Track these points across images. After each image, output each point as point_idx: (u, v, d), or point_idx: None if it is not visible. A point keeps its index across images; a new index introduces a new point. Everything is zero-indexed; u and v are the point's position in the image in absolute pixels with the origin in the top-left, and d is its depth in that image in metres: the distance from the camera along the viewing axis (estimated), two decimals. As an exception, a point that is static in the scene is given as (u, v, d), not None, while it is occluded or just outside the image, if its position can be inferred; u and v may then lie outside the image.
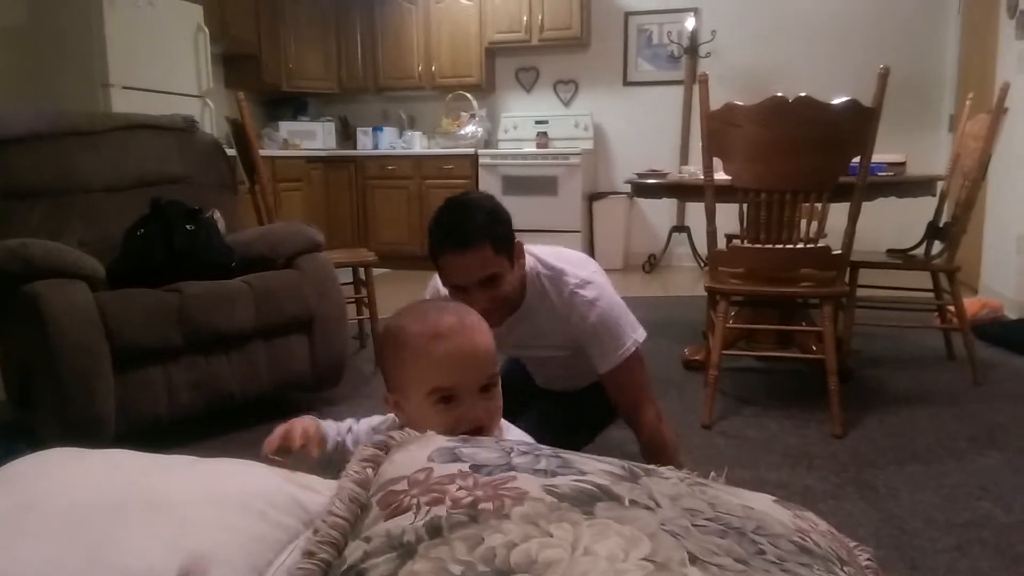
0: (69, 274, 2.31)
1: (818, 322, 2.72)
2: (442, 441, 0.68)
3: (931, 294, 3.39)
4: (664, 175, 3.50)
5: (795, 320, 3.16)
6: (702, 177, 2.69)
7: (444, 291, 1.75)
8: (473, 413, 0.98)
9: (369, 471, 0.64)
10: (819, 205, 2.59)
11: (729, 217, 2.95)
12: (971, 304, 3.76)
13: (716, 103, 2.56)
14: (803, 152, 2.47)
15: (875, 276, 3.24)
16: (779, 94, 2.46)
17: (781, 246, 2.61)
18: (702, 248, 2.86)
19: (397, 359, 1.03)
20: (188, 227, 2.59)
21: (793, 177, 2.52)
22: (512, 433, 1.09)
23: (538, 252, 1.85)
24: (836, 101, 2.44)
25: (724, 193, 2.71)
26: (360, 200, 6.22)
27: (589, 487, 0.63)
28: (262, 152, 5.40)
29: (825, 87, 3.34)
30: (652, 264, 6.06)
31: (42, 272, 2.27)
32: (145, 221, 2.62)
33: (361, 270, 3.54)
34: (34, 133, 2.74)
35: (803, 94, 2.45)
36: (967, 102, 3.42)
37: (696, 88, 2.56)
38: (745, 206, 2.69)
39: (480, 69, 6.24)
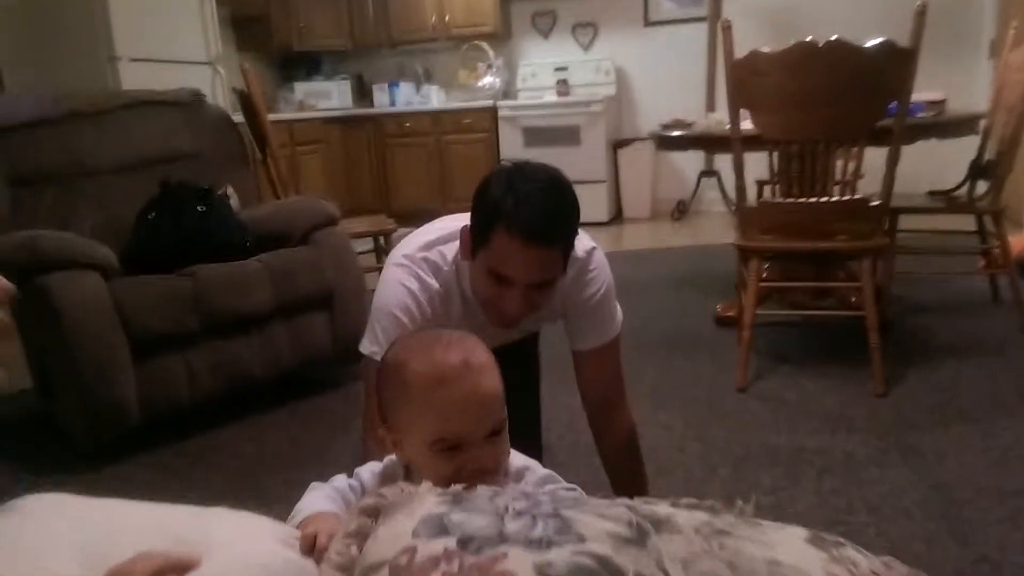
0: (81, 265, 2.26)
1: (857, 274, 2.60)
2: (431, 504, 0.61)
3: (975, 236, 3.23)
4: (689, 125, 3.34)
5: (832, 272, 3.03)
6: (729, 127, 2.55)
7: (447, 259, 1.49)
8: (478, 462, 0.88)
9: (353, 549, 0.57)
10: (854, 154, 2.45)
11: (760, 163, 2.81)
12: (1017, 242, 3.59)
13: (741, 45, 2.39)
14: (836, 100, 2.31)
15: (916, 220, 3.09)
16: (808, 39, 2.29)
17: (815, 199, 2.47)
18: (733, 192, 2.72)
19: (399, 398, 0.93)
20: (200, 208, 2.52)
21: (826, 126, 2.37)
22: (517, 459, 1.00)
23: None
24: (870, 43, 2.27)
25: (753, 144, 2.56)
26: (379, 159, 6.12)
27: (588, 561, 0.56)
28: (278, 116, 5.34)
29: (856, 25, 3.14)
30: (681, 211, 5.90)
31: (54, 264, 2.22)
32: (155, 204, 2.56)
33: (381, 238, 3.47)
34: (37, 118, 2.68)
35: (834, 37, 2.27)
36: (1011, 31, 3.20)
37: (720, 26, 2.39)
38: (775, 158, 2.55)
39: (495, 16, 6.03)
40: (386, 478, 0.99)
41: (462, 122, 5.94)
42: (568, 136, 5.62)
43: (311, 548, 0.84)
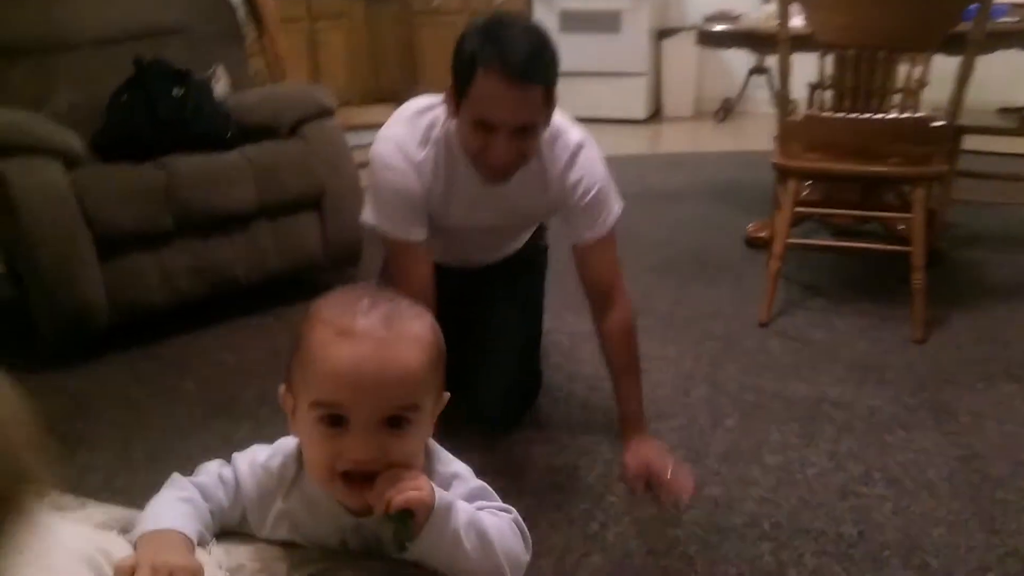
0: (41, 150, 2.06)
1: (909, 202, 2.29)
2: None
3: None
4: (736, 19, 2.96)
5: (879, 197, 2.72)
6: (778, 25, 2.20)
7: (410, 135, 1.55)
8: (359, 452, 0.70)
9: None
10: (919, 61, 2.10)
11: (814, 64, 2.46)
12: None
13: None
14: (906, -1, 1.95)
15: (981, 139, 2.73)
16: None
17: (869, 116, 2.15)
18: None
19: (298, 351, 0.74)
20: (175, 92, 2.28)
21: (891, 30, 2.01)
22: (448, 466, 0.80)
23: None
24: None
25: (805, 45, 2.22)
26: (407, 39, 5.73)
27: None
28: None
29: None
30: (726, 111, 5.48)
31: (10, 148, 2.03)
32: (128, 85, 2.32)
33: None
34: (5, -20, 2.42)
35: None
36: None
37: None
38: (828, 63, 2.21)
39: None
40: (269, 477, 0.80)
41: (494, 1, 5.49)
42: (608, 22, 5.15)
43: None
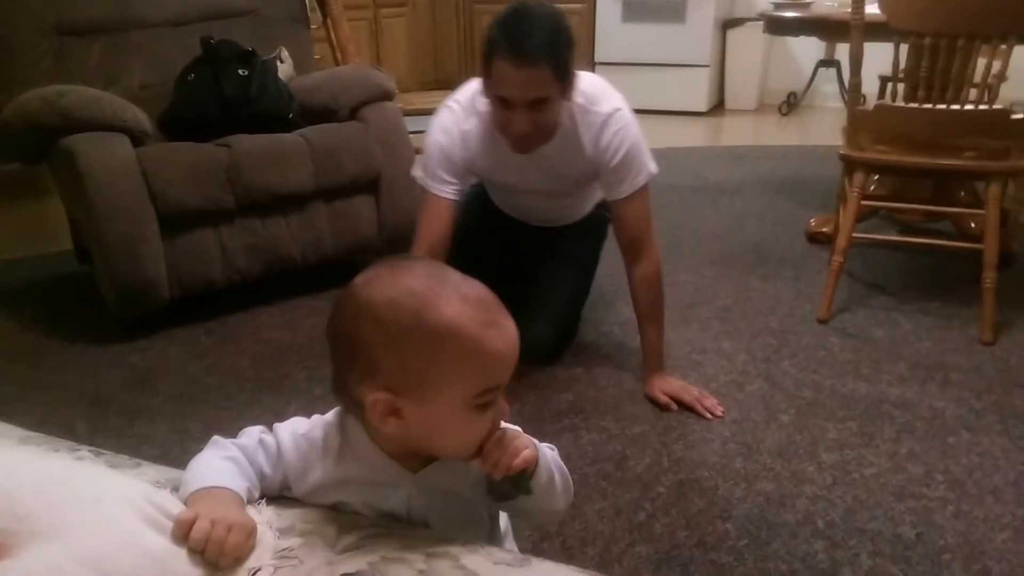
0: (109, 126, 2.12)
1: (982, 199, 2.20)
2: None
3: None
4: (807, 5, 2.88)
5: (951, 192, 2.61)
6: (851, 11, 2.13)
7: (459, 129, 1.80)
8: (504, 409, 0.78)
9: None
10: (1000, 52, 2.00)
11: (887, 55, 2.37)
12: None
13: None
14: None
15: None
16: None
17: (944, 107, 2.06)
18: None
19: (421, 354, 0.72)
20: (240, 72, 2.32)
21: (973, 16, 1.93)
22: None
23: None
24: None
25: (878, 33, 2.15)
26: (468, 27, 5.73)
27: None
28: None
29: None
30: (791, 104, 5.34)
31: (81, 124, 2.09)
32: (196, 64, 2.37)
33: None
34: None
35: None
36: None
37: None
38: (903, 52, 2.13)
39: None
40: (311, 447, 0.80)
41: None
42: (672, 12, 5.07)
43: (186, 535, 0.66)
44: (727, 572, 1.35)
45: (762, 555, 1.38)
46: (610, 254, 2.10)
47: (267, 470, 0.80)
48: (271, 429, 0.83)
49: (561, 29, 1.62)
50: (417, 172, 1.90)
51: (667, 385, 1.86)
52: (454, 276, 0.77)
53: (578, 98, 1.75)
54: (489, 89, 1.67)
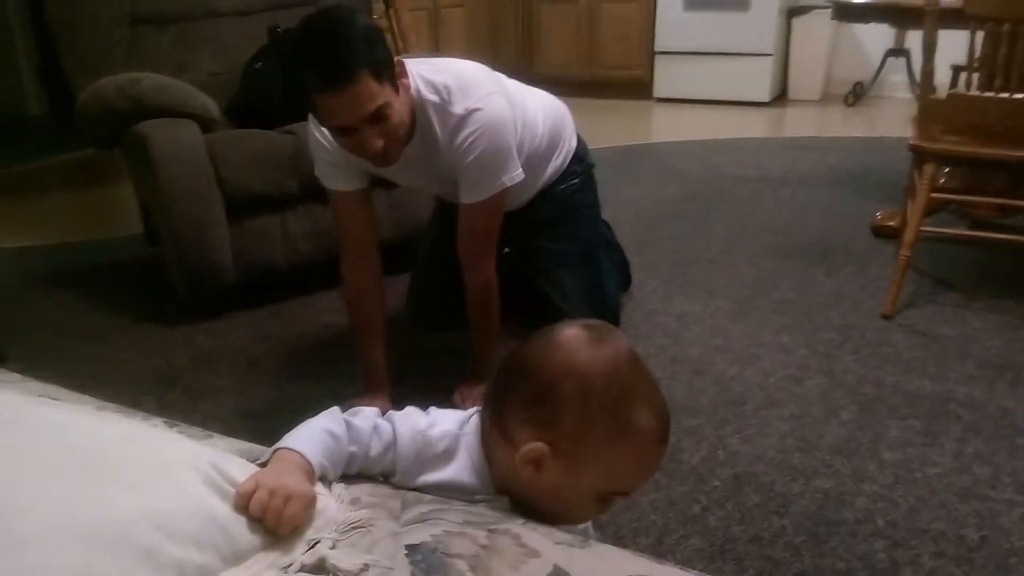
0: (179, 113, 2.18)
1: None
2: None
3: None
4: (876, -8, 2.79)
5: (1028, 186, 2.52)
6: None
7: (325, 135, 1.62)
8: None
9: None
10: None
11: (960, 44, 2.29)
12: None
13: None
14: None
15: None
16: None
17: (1021, 96, 1.98)
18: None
19: (603, 433, 0.77)
20: (305, 60, 2.35)
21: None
22: None
23: (424, 72, 1.62)
24: None
25: (953, 20, 2.08)
26: (526, 17, 5.72)
27: None
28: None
29: None
30: (857, 95, 5.20)
31: (152, 111, 2.15)
32: (263, 53, 2.42)
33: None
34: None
35: None
36: None
37: None
38: (979, 40, 2.05)
39: None
40: (428, 447, 0.83)
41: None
42: (735, 0, 4.98)
43: (246, 507, 0.68)
44: (783, 568, 1.33)
45: (819, 552, 1.36)
46: (668, 245, 2.06)
47: (373, 453, 0.81)
48: (385, 416, 0.85)
49: (356, 30, 1.41)
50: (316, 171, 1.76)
51: (471, 394, 1.78)
52: (648, 371, 0.83)
53: (432, 96, 1.59)
54: (323, 124, 1.52)
